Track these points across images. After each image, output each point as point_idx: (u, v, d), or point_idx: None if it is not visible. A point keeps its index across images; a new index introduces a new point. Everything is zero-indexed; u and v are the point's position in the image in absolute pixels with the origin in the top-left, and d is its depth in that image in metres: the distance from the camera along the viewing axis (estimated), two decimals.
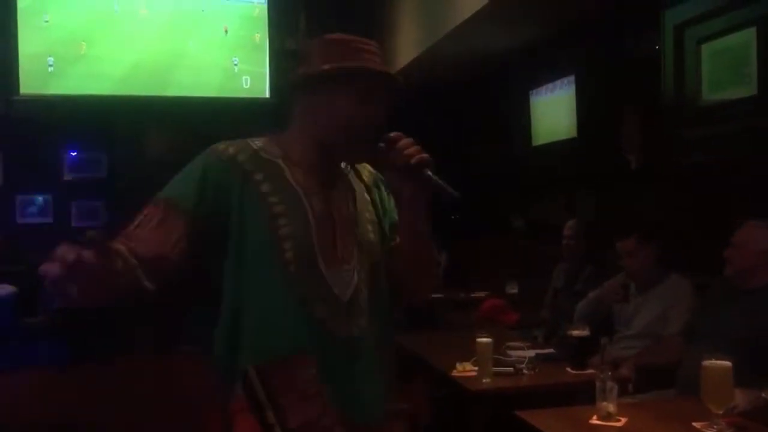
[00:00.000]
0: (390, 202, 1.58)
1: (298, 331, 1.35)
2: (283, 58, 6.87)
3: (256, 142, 1.46)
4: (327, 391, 1.35)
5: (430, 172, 1.42)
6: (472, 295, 5.51)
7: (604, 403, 2.23)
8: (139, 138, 6.85)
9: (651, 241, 3.21)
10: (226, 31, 6.82)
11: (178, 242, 1.34)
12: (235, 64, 6.79)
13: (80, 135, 6.80)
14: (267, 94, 6.72)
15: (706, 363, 2.05)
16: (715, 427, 2.04)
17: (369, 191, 1.54)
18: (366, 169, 1.57)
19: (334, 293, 1.37)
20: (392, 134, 1.43)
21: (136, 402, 5.11)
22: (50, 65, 6.37)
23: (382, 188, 1.58)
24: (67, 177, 6.89)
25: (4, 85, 6.33)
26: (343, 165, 1.52)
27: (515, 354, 3.10)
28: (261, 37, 6.83)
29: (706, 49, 3.45)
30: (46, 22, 6.39)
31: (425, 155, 1.42)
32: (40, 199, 6.86)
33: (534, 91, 5.59)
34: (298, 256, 1.36)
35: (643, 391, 2.77)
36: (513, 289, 5.02)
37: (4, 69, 6.32)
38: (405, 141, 1.43)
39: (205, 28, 6.81)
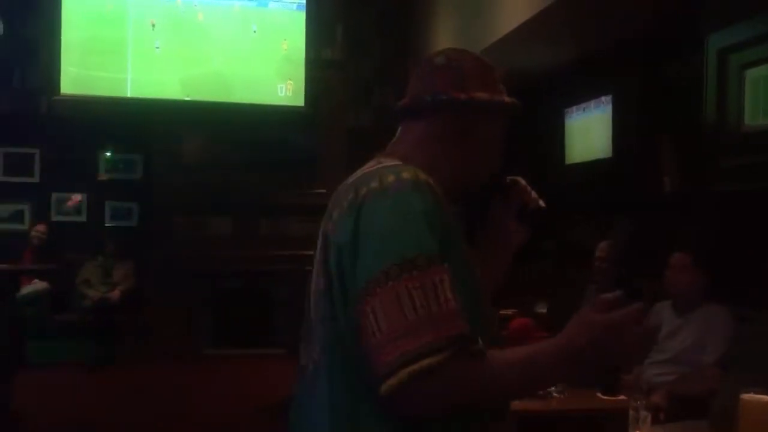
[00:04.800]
0: None
1: None
2: (319, 68, 6.92)
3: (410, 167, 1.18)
4: None
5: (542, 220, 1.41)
6: (500, 312, 5.46)
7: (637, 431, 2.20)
8: (175, 141, 6.94)
9: (704, 264, 3.16)
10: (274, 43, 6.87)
11: None
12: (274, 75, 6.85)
13: (117, 136, 6.92)
14: (302, 103, 6.77)
15: (746, 396, 2.01)
16: None
17: None
18: None
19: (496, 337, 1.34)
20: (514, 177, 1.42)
21: (162, 403, 5.16)
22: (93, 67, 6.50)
23: None
24: (102, 177, 7.00)
25: (46, 85, 6.47)
26: None
27: None
28: (291, 45, 6.86)
29: (750, 75, 3.41)
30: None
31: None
32: (75, 197, 6.97)
33: (569, 109, 5.56)
34: (488, 305, 1.26)
35: (675, 420, 2.72)
36: (542, 309, 4.97)
37: (47, 69, 6.46)
38: (526, 184, 1.42)
39: (244, 38, 6.88)
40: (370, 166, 1.21)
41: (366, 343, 1.05)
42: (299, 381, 1.24)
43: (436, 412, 1.08)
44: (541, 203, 1.42)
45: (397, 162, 1.19)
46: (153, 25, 6.56)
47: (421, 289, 1.03)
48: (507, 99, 1.31)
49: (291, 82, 6.78)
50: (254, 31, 6.81)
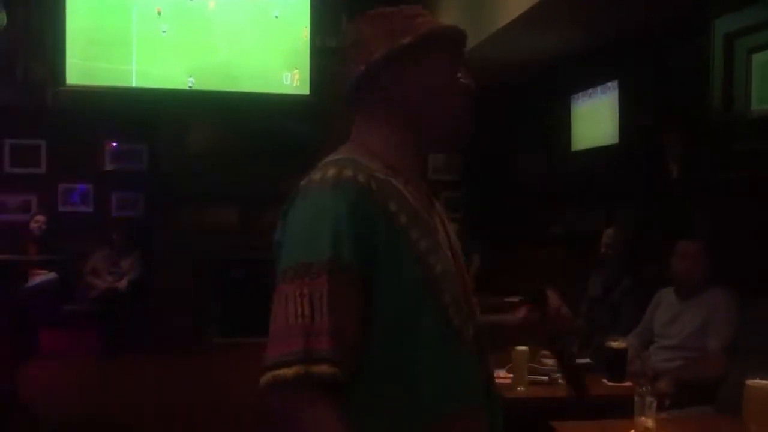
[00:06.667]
0: None
1: (470, 378, 1.19)
2: (324, 56, 6.90)
3: (359, 160, 1.15)
4: None
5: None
6: (505, 299, 5.47)
7: (643, 418, 2.20)
8: (180, 131, 6.94)
9: (713, 251, 3.16)
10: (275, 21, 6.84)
11: (359, 315, 1.07)
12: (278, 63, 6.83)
13: (122, 127, 6.92)
14: (308, 92, 6.75)
15: (751, 382, 2.01)
16: None
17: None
18: None
19: (477, 328, 1.22)
20: (554, 302, 1.33)
21: (170, 392, 5.19)
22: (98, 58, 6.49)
23: None
24: (109, 167, 7.02)
25: (51, 77, 6.47)
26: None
27: (550, 363, 3.07)
28: (304, 33, 6.84)
29: (756, 59, 3.38)
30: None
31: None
32: (81, 188, 7.00)
33: (575, 95, 5.54)
34: (453, 296, 1.16)
35: (680, 406, 2.72)
36: None
37: (51, 61, 6.46)
38: (564, 309, 1.34)
39: (262, 25, 6.85)
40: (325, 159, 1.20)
41: None
42: None
43: (289, 420, 1.06)
44: (587, 361, 1.36)
45: (340, 156, 1.17)
46: (159, 13, 6.55)
47: (308, 297, 1.04)
48: (407, 40, 1.19)
49: (297, 70, 6.76)
50: (276, 17, 6.79)
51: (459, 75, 1.24)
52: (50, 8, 6.39)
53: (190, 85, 6.60)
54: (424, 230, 1.15)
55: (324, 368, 1.02)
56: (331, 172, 1.11)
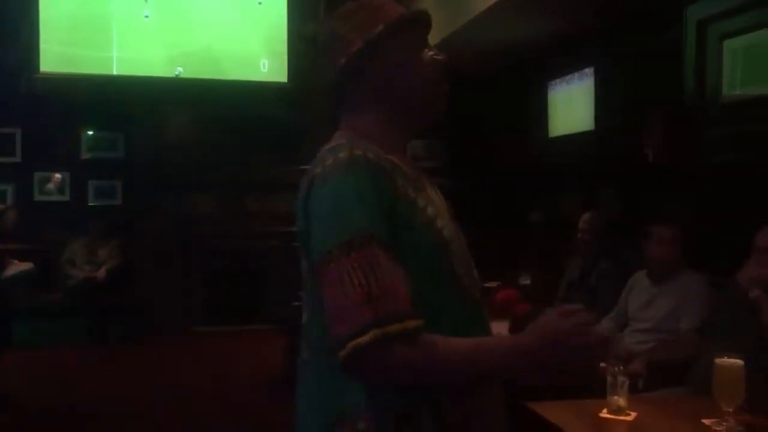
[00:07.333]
0: None
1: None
2: (302, 44, 6.87)
3: (360, 142, 1.21)
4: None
5: None
6: (485, 284, 5.50)
7: (615, 397, 2.25)
8: (157, 119, 6.88)
9: (689, 236, 3.21)
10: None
11: (406, 279, 1.14)
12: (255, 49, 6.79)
13: (98, 114, 6.84)
14: (286, 79, 6.73)
15: (719, 360, 2.06)
16: (724, 424, 2.05)
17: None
18: None
19: (479, 289, 1.29)
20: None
21: (153, 381, 5.18)
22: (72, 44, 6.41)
23: None
24: (85, 156, 6.94)
25: (25, 64, 6.38)
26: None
27: None
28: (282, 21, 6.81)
29: (728, 45, 3.43)
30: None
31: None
32: (57, 176, 6.91)
33: (552, 82, 5.57)
34: (460, 257, 1.24)
35: (653, 389, 2.77)
36: (526, 281, 5.02)
37: (25, 48, 6.37)
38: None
39: (232, 10, 6.80)
40: (324, 147, 1.24)
41: (325, 319, 1.12)
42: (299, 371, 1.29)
43: (385, 381, 1.12)
44: None
45: (342, 141, 1.21)
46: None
47: (360, 268, 1.09)
48: (381, 27, 1.26)
49: (268, 58, 6.74)
50: (259, 3, 6.74)
51: (431, 52, 1.32)
52: None
53: (177, 73, 6.56)
54: (427, 199, 1.23)
55: (397, 327, 1.07)
56: (342, 154, 1.17)
